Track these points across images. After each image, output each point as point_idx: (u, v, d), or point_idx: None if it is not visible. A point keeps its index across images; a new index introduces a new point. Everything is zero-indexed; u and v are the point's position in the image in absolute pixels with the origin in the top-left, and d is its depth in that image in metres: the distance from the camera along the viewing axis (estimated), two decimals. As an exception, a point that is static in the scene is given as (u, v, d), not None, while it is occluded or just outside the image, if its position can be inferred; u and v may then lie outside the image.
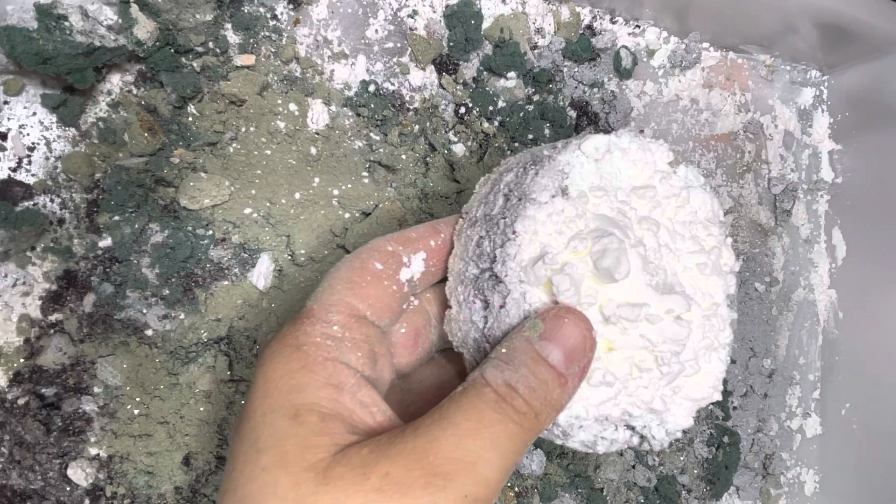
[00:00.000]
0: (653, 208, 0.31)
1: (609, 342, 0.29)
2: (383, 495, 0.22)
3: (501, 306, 0.28)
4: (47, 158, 0.40)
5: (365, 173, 0.46)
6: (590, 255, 0.28)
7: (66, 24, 0.37)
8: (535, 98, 0.49)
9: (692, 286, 0.31)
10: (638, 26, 0.53)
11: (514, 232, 0.28)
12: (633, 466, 0.52)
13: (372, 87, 0.46)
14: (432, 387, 0.33)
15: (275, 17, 0.45)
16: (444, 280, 0.32)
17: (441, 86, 0.47)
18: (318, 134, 0.45)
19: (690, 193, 0.31)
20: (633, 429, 0.30)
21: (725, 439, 0.55)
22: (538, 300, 0.28)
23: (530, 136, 0.49)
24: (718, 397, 0.31)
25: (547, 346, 0.26)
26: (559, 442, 0.30)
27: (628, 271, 0.28)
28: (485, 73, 0.48)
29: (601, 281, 0.28)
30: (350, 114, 0.46)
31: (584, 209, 0.29)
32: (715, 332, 0.31)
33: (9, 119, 0.40)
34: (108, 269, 0.41)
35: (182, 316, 0.42)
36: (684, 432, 0.54)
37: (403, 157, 0.46)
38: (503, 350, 0.26)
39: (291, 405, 0.25)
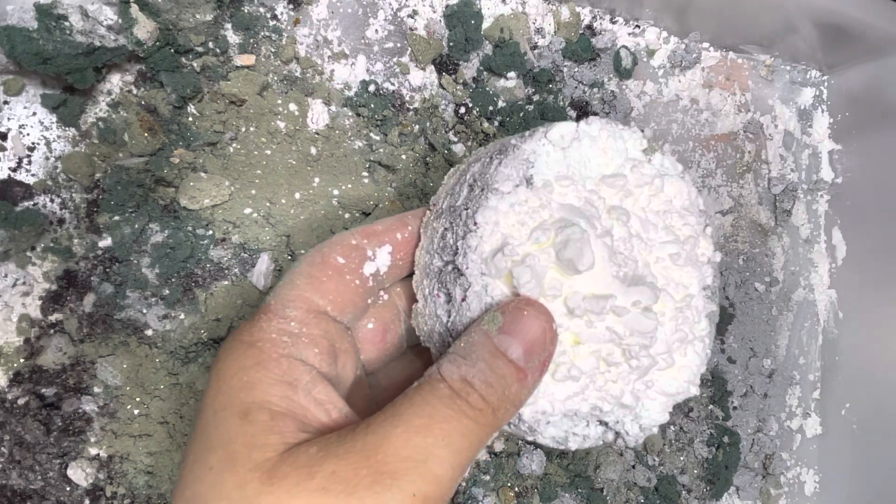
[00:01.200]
0: (623, 197, 0.30)
1: (575, 335, 0.28)
2: (328, 495, 0.22)
3: (463, 299, 0.28)
4: (47, 158, 0.40)
5: (365, 173, 0.46)
6: (552, 246, 0.28)
7: (66, 24, 0.37)
8: (535, 98, 0.49)
9: (665, 277, 0.30)
10: (638, 26, 0.53)
11: (475, 223, 0.28)
12: (633, 466, 0.52)
13: (372, 87, 0.46)
14: (401, 383, 0.32)
15: (275, 17, 0.45)
16: (413, 274, 0.31)
17: (441, 86, 0.47)
18: (318, 134, 0.45)
19: (665, 182, 0.30)
20: (605, 424, 0.30)
21: (725, 439, 0.55)
22: (500, 293, 0.27)
23: (530, 136, 0.49)
24: (695, 392, 0.30)
25: (506, 339, 0.25)
26: (529, 438, 0.29)
27: (592, 262, 0.27)
28: (485, 73, 0.48)
29: (565, 272, 0.28)
30: (350, 114, 0.46)
31: (549, 199, 0.28)
32: (689, 325, 0.30)
33: (9, 119, 0.40)
34: (108, 269, 0.41)
35: (182, 316, 0.42)
36: (684, 432, 0.54)
37: (403, 157, 0.46)
38: (461, 344, 0.26)
39: (242, 403, 0.24)
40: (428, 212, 0.31)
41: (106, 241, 0.41)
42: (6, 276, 0.39)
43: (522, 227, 0.28)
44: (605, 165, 0.30)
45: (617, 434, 0.30)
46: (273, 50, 0.44)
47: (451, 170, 0.32)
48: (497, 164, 0.29)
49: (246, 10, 0.43)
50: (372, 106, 0.45)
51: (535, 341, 0.26)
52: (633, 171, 0.30)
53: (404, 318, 0.33)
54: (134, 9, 0.38)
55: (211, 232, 0.43)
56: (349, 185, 0.45)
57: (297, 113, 0.44)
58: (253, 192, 0.43)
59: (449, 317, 0.28)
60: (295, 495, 0.22)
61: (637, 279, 0.29)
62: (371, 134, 0.46)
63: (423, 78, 0.47)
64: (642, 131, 0.53)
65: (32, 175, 0.40)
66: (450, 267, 0.29)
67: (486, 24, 0.48)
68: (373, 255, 0.30)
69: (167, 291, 0.42)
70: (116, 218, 0.41)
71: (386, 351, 0.32)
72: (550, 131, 0.30)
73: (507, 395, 0.25)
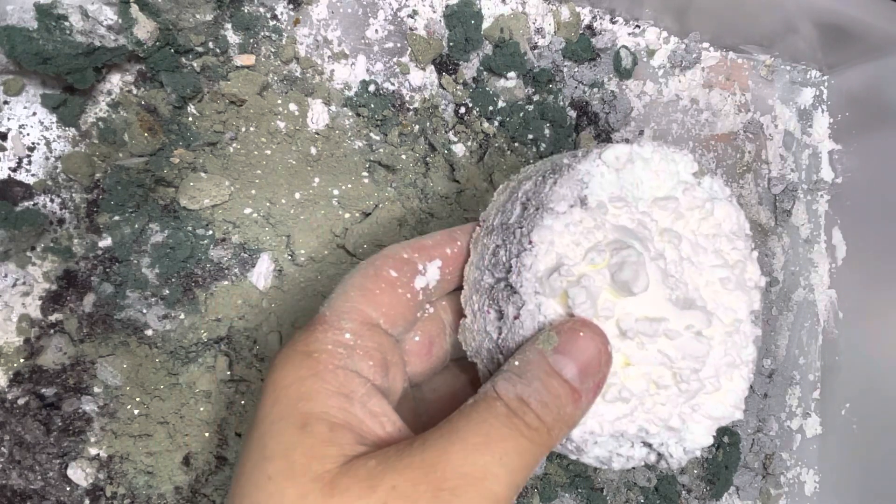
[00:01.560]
0: (675, 220, 0.30)
1: (626, 357, 0.28)
2: None
3: (516, 317, 0.28)
4: (47, 158, 0.40)
5: (365, 173, 0.46)
6: (608, 268, 0.28)
7: (66, 24, 0.37)
8: (535, 98, 0.49)
9: (714, 301, 0.30)
10: (638, 26, 0.53)
11: (530, 242, 0.28)
12: (633, 467, 0.52)
13: (372, 87, 0.46)
14: (445, 396, 0.33)
15: (275, 17, 0.45)
16: (459, 288, 0.31)
17: (441, 86, 0.47)
18: (318, 134, 0.45)
19: (715, 205, 0.30)
20: (650, 446, 0.30)
21: (725, 439, 0.55)
22: (553, 312, 0.27)
23: (530, 136, 0.49)
24: (740, 416, 0.30)
25: (561, 360, 0.25)
26: (573, 457, 0.29)
27: (647, 285, 0.27)
28: (485, 73, 0.48)
29: (619, 294, 0.28)
30: (350, 114, 0.46)
31: (603, 220, 0.28)
32: (737, 349, 0.30)
33: (9, 119, 0.40)
34: (108, 269, 0.41)
35: (182, 316, 0.42)
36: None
37: (403, 157, 0.46)
38: (516, 363, 0.26)
39: (300, 413, 0.24)
40: (478, 227, 0.31)
41: (106, 241, 0.41)
42: (6, 276, 0.39)
43: (577, 247, 0.28)
44: (658, 188, 0.30)
45: (660, 456, 0.30)
46: (273, 50, 0.44)
47: (501, 186, 0.32)
48: (552, 184, 0.29)
49: (246, 10, 0.43)
50: (372, 106, 0.45)
51: (591, 363, 0.26)
52: (684, 193, 0.30)
53: (449, 331, 0.33)
54: (134, 9, 0.38)
55: (211, 232, 0.43)
56: (349, 185, 0.45)
57: (297, 113, 0.44)
58: (253, 192, 0.43)
59: (500, 333, 0.29)
60: None
61: (688, 302, 0.29)
62: (371, 134, 0.46)
63: (423, 78, 0.47)
64: (642, 132, 0.53)
65: (32, 175, 0.40)
66: (502, 284, 0.29)
67: (486, 24, 0.48)
68: (423, 269, 0.30)
69: (167, 291, 0.42)
70: (116, 218, 0.41)
71: (431, 364, 0.32)
72: (605, 153, 0.30)
73: (561, 415, 0.25)
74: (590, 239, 0.28)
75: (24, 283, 0.40)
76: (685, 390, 0.28)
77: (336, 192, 0.45)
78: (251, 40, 0.44)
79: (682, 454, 0.30)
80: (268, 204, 0.44)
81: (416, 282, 0.30)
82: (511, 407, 0.24)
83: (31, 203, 0.40)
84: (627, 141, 0.52)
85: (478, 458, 0.23)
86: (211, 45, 0.43)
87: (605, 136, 0.51)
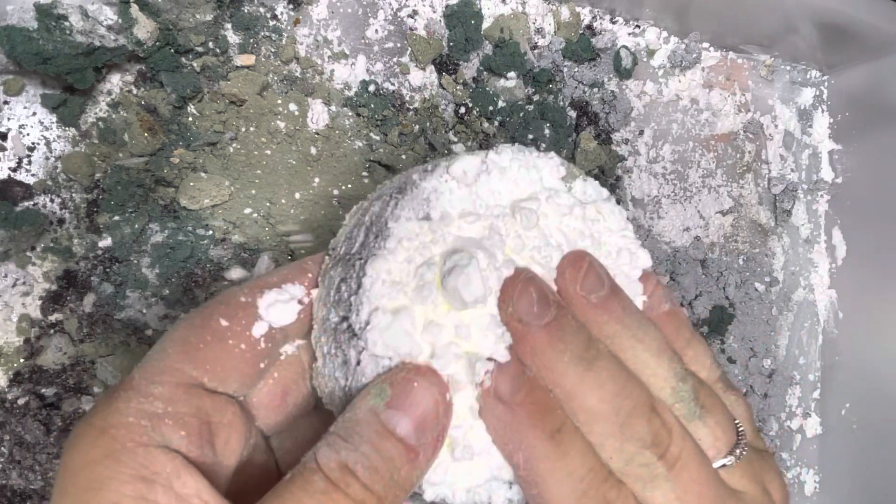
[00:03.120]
0: (536, 222, 0.27)
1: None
2: None
3: (357, 363, 0.25)
4: (47, 158, 0.40)
5: (365, 173, 0.46)
6: (440, 276, 0.25)
7: (66, 24, 0.37)
8: (535, 98, 0.49)
9: None
10: (638, 26, 0.53)
11: (366, 275, 0.25)
12: None
13: (372, 87, 0.46)
14: (308, 442, 0.28)
15: (275, 17, 0.45)
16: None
17: (441, 86, 0.47)
18: (318, 134, 0.45)
19: (586, 210, 0.28)
20: None
21: (725, 439, 0.55)
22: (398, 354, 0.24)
23: (530, 137, 0.49)
24: None
25: (394, 416, 0.22)
26: None
27: (482, 293, 0.24)
28: (485, 73, 0.48)
29: (455, 308, 0.25)
30: (350, 114, 0.46)
31: (445, 232, 0.26)
32: None
33: (9, 119, 0.40)
34: (108, 269, 0.41)
35: (182, 316, 0.42)
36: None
37: (403, 157, 0.46)
38: (343, 423, 0.23)
39: None
40: (327, 257, 0.28)
41: (106, 241, 0.41)
42: (6, 276, 0.39)
43: (409, 265, 0.25)
44: (518, 198, 0.28)
45: None
46: (273, 50, 0.44)
47: (354, 208, 0.29)
48: (393, 207, 0.26)
49: (246, 10, 0.43)
50: (372, 106, 0.45)
51: (427, 416, 0.23)
52: (547, 201, 0.27)
53: (311, 374, 0.30)
54: (134, 9, 0.38)
55: (211, 232, 0.43)
56: (349, 185, 0.45)
57: (297, 113, 0.44)
58: (253, 192, 0.43)
59: (346, 381, 0.25)
60: None
61: None
62: (371, 134, 0.46)
63: (423, 78, 0.47)
64: (641, 133, 0.53)
65: (32, 175, 0.40)
66: (345, 325, 0.25)
67: (486, 24, 0.48)
68: (266, 313, 0.27)
69: (167, 291, 0.42)
70: (116, 218, 0.41)
71: (287, 413, 0.29)
72: (453, 165, 0.27)
73: (395, 479, 0.22)
74: (424, 254, 0.25)
75: (24, 283, 0.40)
76: None
77: (336, 192, 0.45)
78: (251, 40, 0.44)
79: None
80: (268, 204, 0.44)
81: (256, 328, 0.26)
82: (332, 479, 0.21)
83: (31, 203, 0.40)
84: (627, 141, 0.52)
85: None
86: (211, 45, 0.43)
87: (605, 136, 0.51)
